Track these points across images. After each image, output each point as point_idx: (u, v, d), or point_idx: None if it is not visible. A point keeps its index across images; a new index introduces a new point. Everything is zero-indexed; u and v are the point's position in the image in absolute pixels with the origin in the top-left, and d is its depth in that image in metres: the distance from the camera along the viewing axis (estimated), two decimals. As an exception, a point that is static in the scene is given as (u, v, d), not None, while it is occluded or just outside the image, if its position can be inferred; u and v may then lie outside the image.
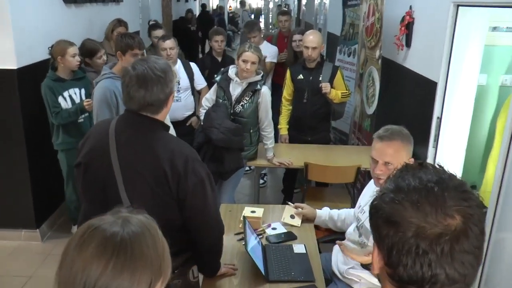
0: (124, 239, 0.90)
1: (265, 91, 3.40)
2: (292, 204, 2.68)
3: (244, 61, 3.26)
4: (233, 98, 3.35)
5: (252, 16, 20.50)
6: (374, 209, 0.90)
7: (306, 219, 2.64)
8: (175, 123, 3.65)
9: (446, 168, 0.91)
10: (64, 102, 3.44)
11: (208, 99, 3.50)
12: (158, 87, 1.70)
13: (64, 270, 0.89)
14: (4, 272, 3.36)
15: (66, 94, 3.45)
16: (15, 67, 3.35)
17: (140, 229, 0.94)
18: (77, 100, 3.50)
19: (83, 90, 3.55)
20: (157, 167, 1.67)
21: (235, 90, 3.37)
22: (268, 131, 3.49)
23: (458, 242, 0.80)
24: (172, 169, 1.67)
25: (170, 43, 3.96)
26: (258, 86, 3.34)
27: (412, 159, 2.03)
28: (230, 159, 3.22)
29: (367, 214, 2.04)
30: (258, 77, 3.37)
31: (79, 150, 1.85)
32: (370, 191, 2.30)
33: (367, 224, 2.01)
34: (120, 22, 4.41)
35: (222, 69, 3.53)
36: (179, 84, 4.01)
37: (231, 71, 3.40)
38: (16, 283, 3.23)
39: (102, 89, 2.73)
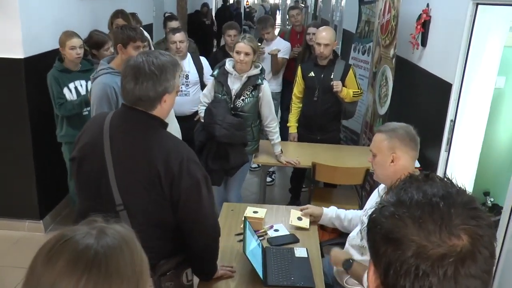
0: (98, 253, 0.81)
1: (266, 86, 3.30)
2: (298, 207, 2.61)
3: (237, 52, 3.17)
4: (233, 92, 3.26)
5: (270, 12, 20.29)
6: (372, 223, 0.81)
7: (313, 221, 2.55)
8: (183, 118, 3.59)
9: (455, 181, 0.82)
10: (69, 94, 3.40)
11: (206, 95, 3.41)
12: (149, 83, 1.62)
13: (30, 287, 0.80)
14: (6, 262, 3.35)
15: (71, 85, 3.40)
16: (22, 57, 3.32)
17: (117, 241, 0.85)
18: (83, 92, 3.45)
19: (89, 82, 3.48)
20: (151, 166, 1.61)
21: (234, 84, 3.27)
22: (273, 125, 3.40)
23: (463, 265, 0.72)
24: (167, 169, 1.60)
25: (180, 36, 3.89)
26: (259, 81, 3.25)
27: (396, 155, 1.96)
28: (234, 155, 3.15)
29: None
30: (257, 71, 3.26)
31: (75, 144, 1.81)
32: (376, 195, 2.22)
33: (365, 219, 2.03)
34: (118, 14, 4.11)
35: (219, 64, 3.43)
36: (187, 78, 3.95)
37: (228, 64, 3.29)
38: (18, 274, 3.20)
39: (101, 85, 2.58)
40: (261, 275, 1.99)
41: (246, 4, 21.30)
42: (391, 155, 1.97)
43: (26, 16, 3.31)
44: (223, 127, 3.05)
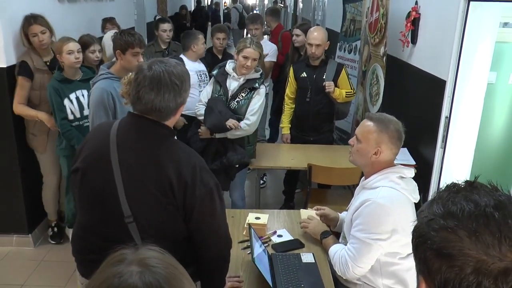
0: None
1: (262, 91, 3.23)
2: (306, 210, 2.56)
3: (245, 57, 3.11)
4: (229, 93, 3.20)
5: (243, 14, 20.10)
6: (420, 238, 0.76)
7: (328, 225, 2.48)
8: (192, 118, 3.55)
9: (500, 187, 0.78)
10: (70, 104, 3.24)
11: (205, 95, 3.32)
12: (170, 95, 1.58)
13: None
14: (-6, 280, 3.22)
15: (72, 96, 3.24)
16: (4, 66, 3.20)
17: (169, 270, 0.78)
18: (85, 102, 3.28)
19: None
20: (162, 175, 1.54)
21: (232, 85, 3.21)
22: (247, 122, 3.13)
23: None
24: (179, 178, 1.54)
25: (203, 38, 4.16)
26: (257, 85, 3.18)
27: (380, 149, 2.00)
28: (232, 150, 3.14)
29: (353, 207, 2.08)
30: (257, 75, 3.21)
31: (77, 154, 1.73)
32: (360, 188, 2.20)
33: (347, 218, 2.15)
34: (29, 19, 3.29)
35: (220, 64, 3.39)
36: (206, 77, 4.13)
37: (229, 65, 3.25)
38: (8, 292, 3.09)
39: (99, 90, 2.53)
40: (270, 283, 1.94)
41: (224, 5, 21.20)
42: (376, 148, 2.01)
43: (7, 23, 3.18)
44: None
